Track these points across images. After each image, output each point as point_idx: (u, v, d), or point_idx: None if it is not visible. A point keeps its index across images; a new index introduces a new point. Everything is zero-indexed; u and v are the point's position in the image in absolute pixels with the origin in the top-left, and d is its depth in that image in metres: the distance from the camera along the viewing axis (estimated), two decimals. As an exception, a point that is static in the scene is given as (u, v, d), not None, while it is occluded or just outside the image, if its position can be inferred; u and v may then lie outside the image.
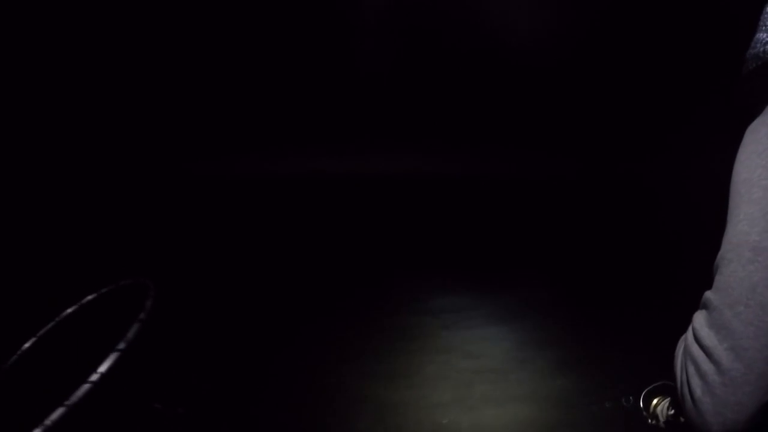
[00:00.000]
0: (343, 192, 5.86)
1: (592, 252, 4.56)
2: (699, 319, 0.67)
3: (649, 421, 0.93)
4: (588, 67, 5.61)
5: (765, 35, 0.70)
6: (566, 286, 4.03)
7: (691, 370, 0.65)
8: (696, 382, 0.63)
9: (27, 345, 2.19)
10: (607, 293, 3.82)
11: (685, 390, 0.65)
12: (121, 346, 1.87)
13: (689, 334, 0.68)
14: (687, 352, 0.67)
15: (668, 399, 0.91)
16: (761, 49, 0.69)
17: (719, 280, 0.65)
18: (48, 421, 1.84)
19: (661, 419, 0.90)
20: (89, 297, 2.06)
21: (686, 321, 0.78)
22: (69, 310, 2.07)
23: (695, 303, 0.71)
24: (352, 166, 5.98)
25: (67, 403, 1.78)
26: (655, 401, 0.93)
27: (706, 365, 0.62)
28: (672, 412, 0.87)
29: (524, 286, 4.10)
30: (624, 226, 4.96)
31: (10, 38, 4.59)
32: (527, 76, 5.66)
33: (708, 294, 0.67)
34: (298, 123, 6.02)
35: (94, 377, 1.83)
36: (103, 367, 1.81)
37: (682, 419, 0.69)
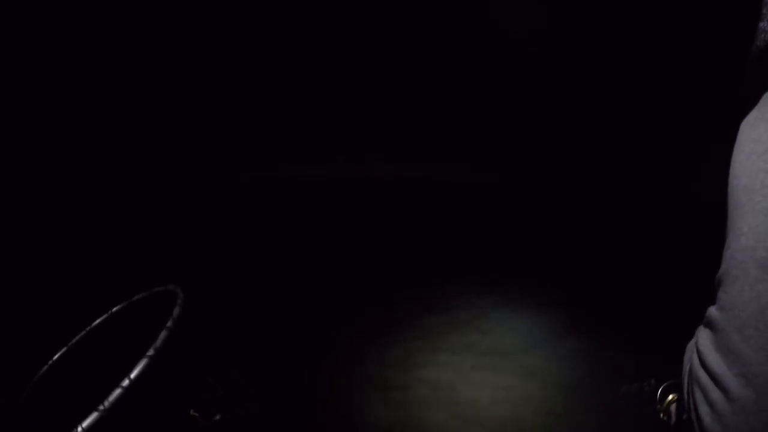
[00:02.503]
0: (351, 197, 5.97)
1: (605, 255, 4.62)
2: (704, 340, 0.63)
3: (662, 416, 0.91)
4: (591, 68, 5.61)
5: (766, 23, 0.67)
6: (579, 288, 4.08)
7: (699, 396, 0.61)
8: (705, 410, 0.59)
9: (57, 355, 2.26)
10: (622, 294, 3.87)
11: (693, 416, 0.62)
12: (151, 352, 1.94)
13: (695, 357, 0.64)
14: (694, 377, 0.63)
15: (678, 400, 0.88)
16: (762, 37, 0.67)
17: (724, 298, 0.60)
18: (80, 428, 1.90)
19: (673, 419, 0.88)
20: (118, 306, 2.13)
21: (698, 320, 0.75)
22: (99, 320, 2.15)
23: (704, 304, 0.68)
24: (364, 171, 6.04)
25: (100, 408, 1.84)
26: (669, 398, 0.91)
27: (715, 393, 0.58)
28: (685, 417, 0.81)
29: (537, 287, 4.16)
30: (635, 230, 5.01)
31: (37, 37, 4.58)
32: (537, 80, 5.67)
33: (713, 313, 0.62)
34: (314, 128, 6.10)
35: (125, 382, 1.89)
36: (134, 372, 1.87)
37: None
